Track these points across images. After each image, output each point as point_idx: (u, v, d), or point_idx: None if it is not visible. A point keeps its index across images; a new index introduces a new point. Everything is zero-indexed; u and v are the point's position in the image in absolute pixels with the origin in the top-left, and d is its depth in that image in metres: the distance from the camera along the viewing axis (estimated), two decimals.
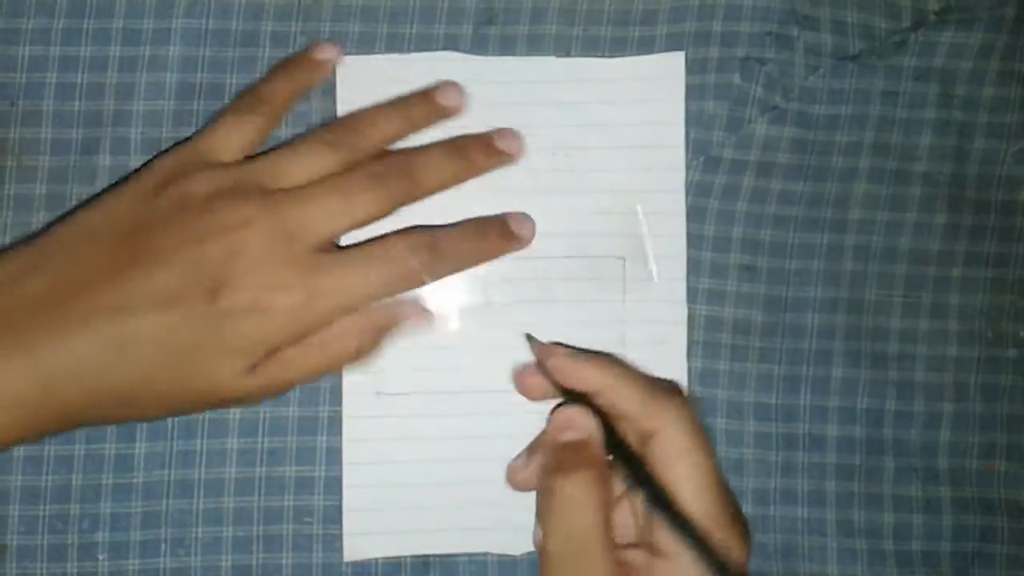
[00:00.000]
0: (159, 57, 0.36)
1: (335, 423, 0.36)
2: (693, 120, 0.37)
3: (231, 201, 0.31)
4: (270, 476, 0.36)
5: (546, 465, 0.32)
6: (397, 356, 0.36)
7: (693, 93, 0.37)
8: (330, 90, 0.36)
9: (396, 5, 0.36)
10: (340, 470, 0.36)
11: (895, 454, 0.37)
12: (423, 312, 0.35)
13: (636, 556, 0.31)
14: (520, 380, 0.34)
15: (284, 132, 0.36)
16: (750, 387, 0.37)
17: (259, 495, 0.36)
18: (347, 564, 0.36)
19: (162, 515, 0.35)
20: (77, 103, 0.36)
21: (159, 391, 0.31)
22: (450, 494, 0.36)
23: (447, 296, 0.36)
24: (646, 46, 0.37)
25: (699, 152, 0.37)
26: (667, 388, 0.32)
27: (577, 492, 0.30)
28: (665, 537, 0.30)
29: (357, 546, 0.36)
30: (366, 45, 0.36)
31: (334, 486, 0.36)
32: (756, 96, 0.37)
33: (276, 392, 0.33)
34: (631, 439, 0.32)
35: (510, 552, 0.36)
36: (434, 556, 0.36)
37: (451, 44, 0.36)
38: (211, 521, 0.35)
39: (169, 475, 0.35)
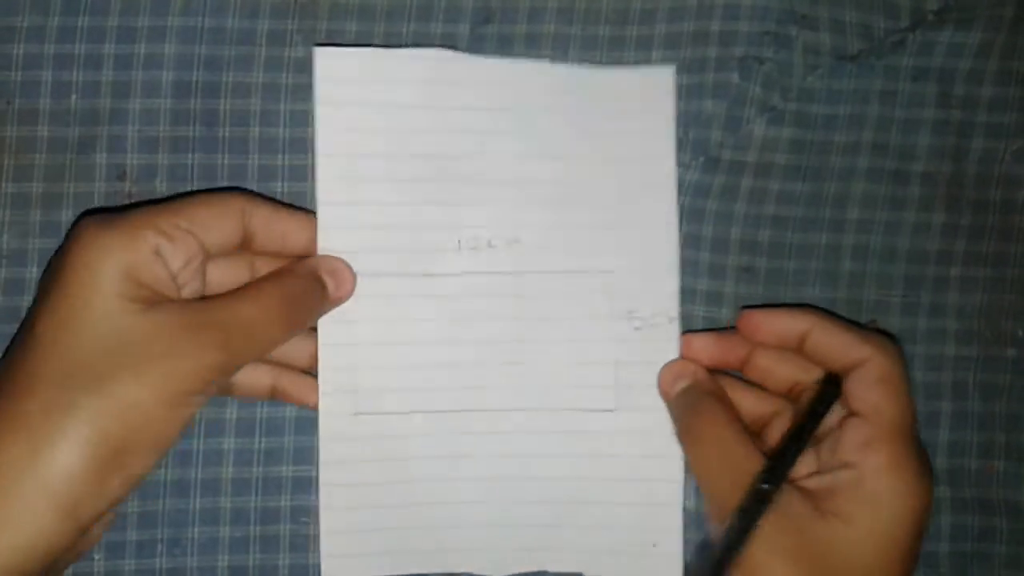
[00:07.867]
0: (155, 55, 0.36)
1: None
2: (692, 120, 0.37)
3: None
4: (267, 476, 0.36)
5: (679, 420, 0.34)
6: (374, 375, 0.35)
7: (691, 93, 0.37)
8: None
9: (393, 4, 0.36)
10: None
11: None
12: (343, 271, 0.34)
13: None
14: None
15: (283, 132, 0.36)
16: None
17: (256, 495, 0.35)
18: None
19: (158, 515, 0.35)
20: (73, 101, 0.36)
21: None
22: (430, 514, 0.35)
23: (429, 311, 0.35)
24: (644, 45, 0.37)
25: (698, 152, 0.37)
26: (871, 329, 0.33)
27: (713, 410, 0.33)
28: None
29: (336, 569, 0.34)
30: (363, 44, 0.36)
31: None
32: (754, 96, 0.37)
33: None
34: (837, 367, 0.32)
35: (491, 573, 0.35)
36: None
37: (448, 43, 0.36)
38: (208, 521, 0.35)
39: (166, 475, 0.35)
